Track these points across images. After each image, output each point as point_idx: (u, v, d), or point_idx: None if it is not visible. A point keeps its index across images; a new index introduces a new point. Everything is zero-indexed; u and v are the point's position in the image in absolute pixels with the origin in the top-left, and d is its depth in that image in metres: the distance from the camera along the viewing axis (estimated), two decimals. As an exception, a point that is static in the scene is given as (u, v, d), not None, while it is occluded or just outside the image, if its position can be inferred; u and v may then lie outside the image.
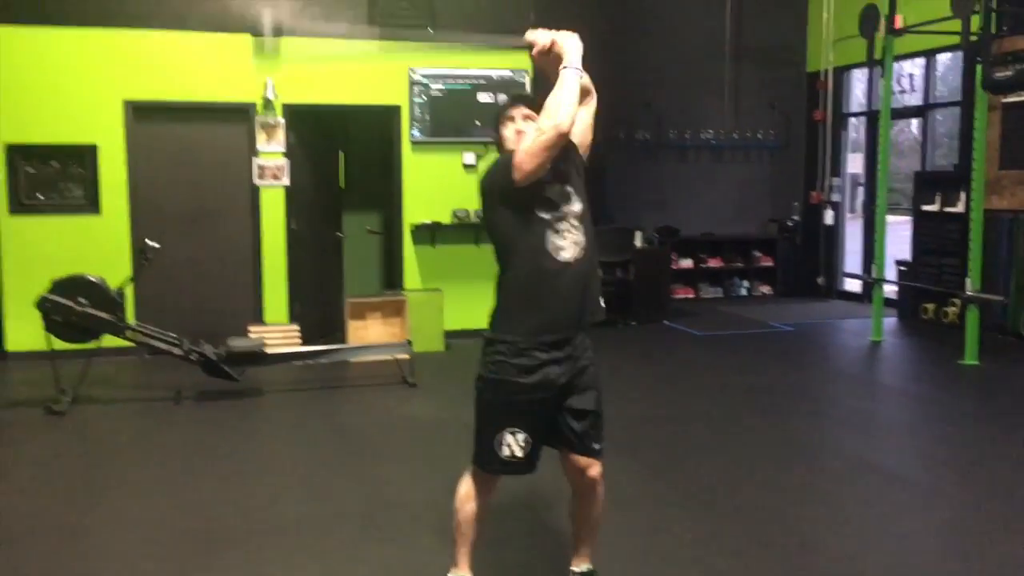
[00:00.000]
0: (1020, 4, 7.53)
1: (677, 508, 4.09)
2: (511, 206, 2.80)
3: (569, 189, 2.86)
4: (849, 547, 3.66)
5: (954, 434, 5.39)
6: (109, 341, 6.10)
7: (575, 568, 3.12)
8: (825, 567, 3.48)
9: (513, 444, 2.83)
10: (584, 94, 2.90)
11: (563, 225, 2.81)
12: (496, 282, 2.89)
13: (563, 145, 2.76)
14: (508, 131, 2.92)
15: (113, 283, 6.03)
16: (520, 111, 2.91)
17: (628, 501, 4.09)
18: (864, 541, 3.72)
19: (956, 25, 7.02)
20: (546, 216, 2.80)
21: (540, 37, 2.84)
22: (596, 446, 2.94)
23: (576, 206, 2.85)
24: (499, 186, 2.80)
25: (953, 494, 4.34)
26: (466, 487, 2.96)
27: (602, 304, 2.95)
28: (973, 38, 6.92)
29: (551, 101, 2.70)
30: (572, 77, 2.74)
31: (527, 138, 2.77)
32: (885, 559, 3.53)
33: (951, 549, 3.71)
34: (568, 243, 2.80)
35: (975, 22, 6.85)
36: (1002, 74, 6.90)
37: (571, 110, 2.70)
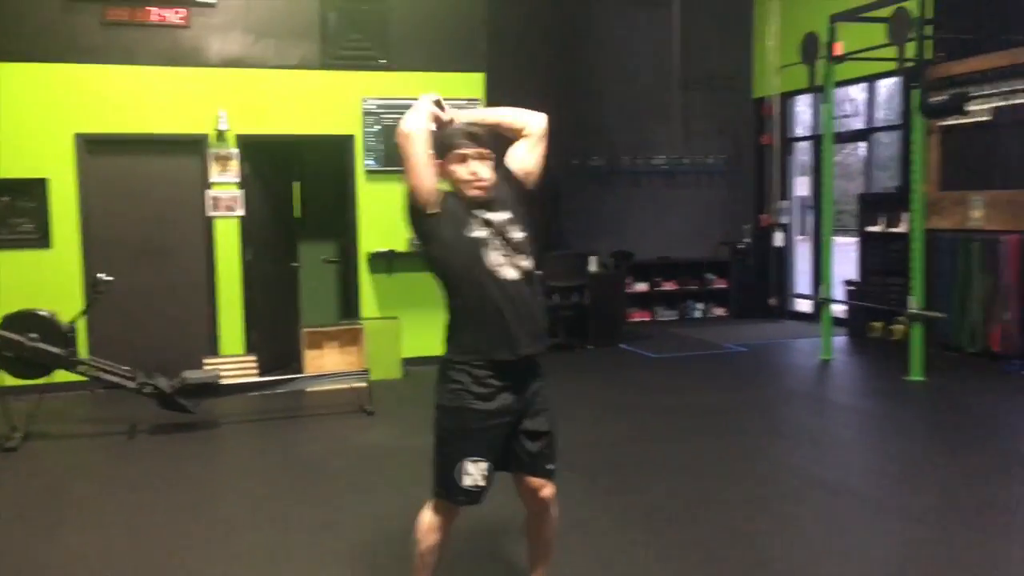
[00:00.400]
0: (955, 32, 7.82)
1: (633, 527, 4.15)
2: (439, 233, 2.84)
3: (508, 216, 2.89)
4: (800, 560, 3.75)
5: (899, 448, 5.54)
6: (61, 376, 6.05)
7: (532, 585, 3.17)
8: (775, 580, 3.56)
9: (475, 473, 2.85)
10: (520, 127, 3.01)
11: (501, 246, 2.84)
12: (446, 309, 2.94)
13: (503, 175, 2.89)
14: (461, 170, 2.87)
15: (65, 317, 5.98)
16: (474, 149, 2.86)
17: (584, 521, 4.15)
18: (814, 554, 3.81)
19: (894, 52, 7.26)
20: (481, 235, 2.83)
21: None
22: (549, 467, 2.99)
23: (516, 233, 2.88)
24: (415, 219, 2.85)
25: (899, 506, 4.45)
26: (429, 518, 2.96)
27: (545, 332, 2.99)
28: (909, 64, 7.16)
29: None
30: (422, 99, 2.91)
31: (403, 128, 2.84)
32: (835, 571, 3.63)
33: (898, 560, 3.82)
34: (507, 263, 2.83)
35: (910, 49, 7.09)
36: (937, 99, 7.16)
37: (413, 119, 2.81)
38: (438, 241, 2.85)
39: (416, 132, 2.81)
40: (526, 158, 3.02)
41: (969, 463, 5.07)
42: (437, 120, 2.92)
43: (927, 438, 5.75)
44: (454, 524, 3.04)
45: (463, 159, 2.85)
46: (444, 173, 2.90)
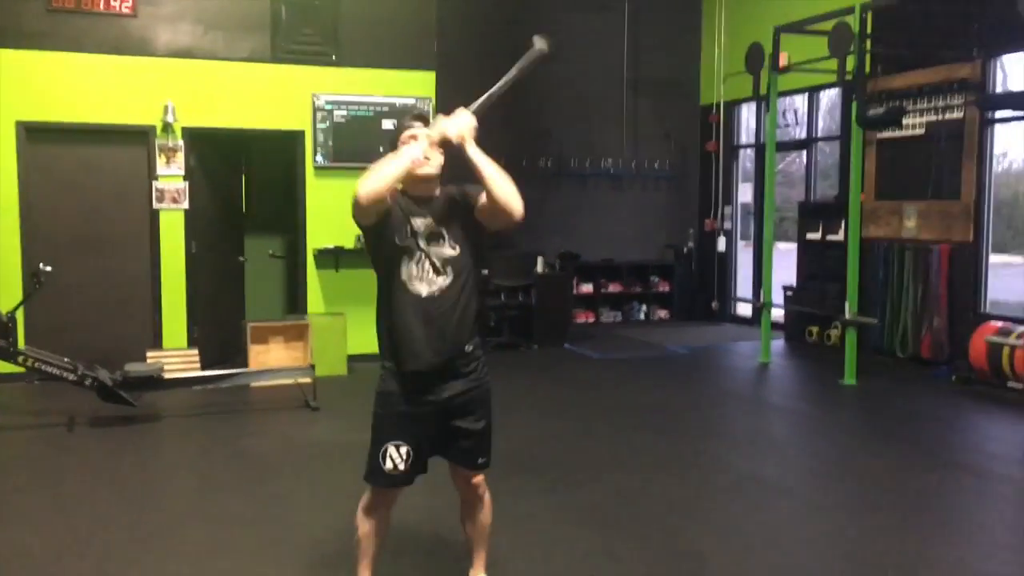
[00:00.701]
0: (893, 47, 8.08)
1: (571, 523, 4.24)
2: (372, 237, 2.95)
3: (442, 231, 2.94)
4: (734, 554, 3.87)
5: (831, 448, 5.73)
6: (-1, 367, 5.96)
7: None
8: (712, 572, 3.68)
9: (395, 457, 2.96)
10: (497, 200, 2.87)
11: (423, 261, 2.91)
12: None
13: (460, 197, 2.97)
14: (404, 137, 2.93)
15: (4, 307, 5.89)
16: (418, 126, 2.94)
17: (524, 517, 4.23)
18: (749, 548, 3.95)
19: (836, 64, 7.47)
20: (405, 245, 2.91)
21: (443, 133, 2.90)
22: (481, 460, 3.11)
23: (447, 250, 2.94)
24: (356, 220, 2.91)
25: (825, 501, 4.62)
26: (364, 503, 3.08)
27: (469, 334, 3.01)
28: (848, 77, 7.39)
29: (378, 165, 2.81)
30: (405, 151, 2.85)
31: (362, 178, 2.80)
32: (768, 564, 3.76)
33: (829, 554, 3.96)
34: (425, 277, 2.90)
35: (850, 62, 7.31)
36: (874, 112, 7.40)
37: (376, 180, 2.76)
38: (371, 243, 2.98)
39: (370, 199, 2.78)
40: (491, 215, 2.95)
41: (893, 461, 5.27)
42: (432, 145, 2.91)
43: (856, 438, 5.95)
44: (394, 513, 3.12)
45: (414, 139, 2.91)
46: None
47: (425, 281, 2.91)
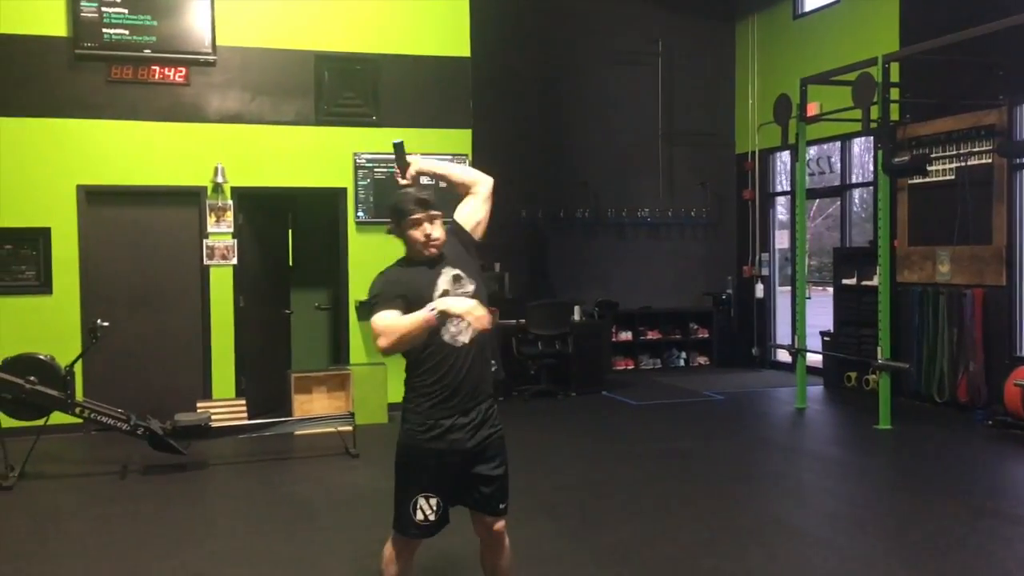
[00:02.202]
0: (920, 95, 8.21)
1: (593, 565, 4.38)
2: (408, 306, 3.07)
3: (459, 273, 3.16)
4: (748, 596, 3.98)
5: (859, 493, 5.79)
6: (57, 417, 6.30)
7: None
8: (724, 614, 3.80)
9: (426, 508, 3.11)
10: (469, 184, 3.35)
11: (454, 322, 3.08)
12: (406, 362, 3.18)
13: (451, 230, 3.22)
14: (419, 234, 3.10)
15: (63, 361, 6.25)
16: (427, 213, 3.11)
17: (546, 559, 4.38)
18: (762, 590, 4.05)
19: (860, 114, 7.62)
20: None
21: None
22: (502, 506, 3.26)
23: (469, 287, 3.16)
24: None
25: (855, 549, 4.69)
26: (388, 551, 3.23)
27: (496, 368, 3.27)
28: (873, 126, 7.53)
29: (392, 323, 2.95)
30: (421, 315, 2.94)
31: (380, 317, 2.97)
32: (779, 605, 3.86)
33: (842, 596, 4.05)
34: (464, 325, 3.07)
35: (875, 111, 7.46)
36: (900, 159, 7.51)
37: (395, 343, 2.93)
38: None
39: (392, 351, 2.96)
40: (475, 211, 3.32)
41: (924, 506, 5.31)
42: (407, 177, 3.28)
43: (886, 483, 5.99)
44: (417, 558, 3.29)
45: (418, 223, 3.12)
46: (401, 238, 3.19)
47: (463, 331, 3.09)
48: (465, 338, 3.11)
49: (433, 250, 3.14)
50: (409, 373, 3.18)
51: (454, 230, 3.27)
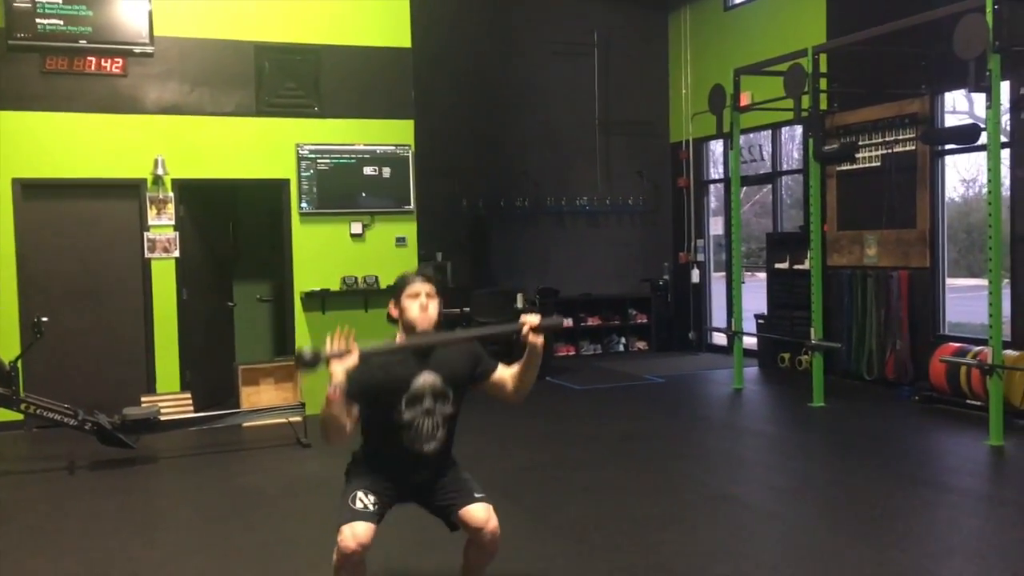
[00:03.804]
0: (847, 85, 8.53)
1: (551, 542, 4.54)
2: (362, 405, 3.15)
3: (448, 391, 3.27)
4: (698, 563, 4.18)
5: (796, 466, 6.07)
6: None
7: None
8: (678, 582, 3.99)
9: (364, 499, 3.22)
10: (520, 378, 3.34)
11: (425, 423, 3.25)
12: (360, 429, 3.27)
13: (475, 356, 3.33)
14: (413, 305, 3.22)
15: (4, 357, 6.15)
16: (427, 287, 3.24)
17: (507, 537, 4.46)
18: (711, 558, 4.25)
19: (792, 103, 7.89)
20: (406, 420, 3.22)
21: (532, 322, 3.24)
22: (479, 494, 3.34)
23: (448, 408, 3.29)
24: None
25: (795, 517, 4.94)
26: (335, 559, 3.20)
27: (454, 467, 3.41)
28: (805, 115, 7.82)
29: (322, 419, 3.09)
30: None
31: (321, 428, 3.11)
32: (728, 572, 4.06)
33: (783, 561, 4.27)
34: (425, 436, 3.25)
35: (805, 101, 7.74)
36: (829, 147, 7.82)
37: (330, 436, 3.11)
38: (361, 411, 3.17)
39: (329, 438, 3.13)
40: (506, 381, 3.36)
41: (856, 477, 5.60)
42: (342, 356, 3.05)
43: (821, 457, 6.29)
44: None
45: (416, 295, 3.23)
46: (398, 310, 3.29)
47: (425, 440, 3.25)
48: (427, 445, 3.26)
49: (426, 325, 3.23)
50: (363, 441, 3.35)
51: (471, 356, 3.33)
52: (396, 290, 3.29)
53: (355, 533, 3.14)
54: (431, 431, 3.26)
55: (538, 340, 3.23)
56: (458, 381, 3.30)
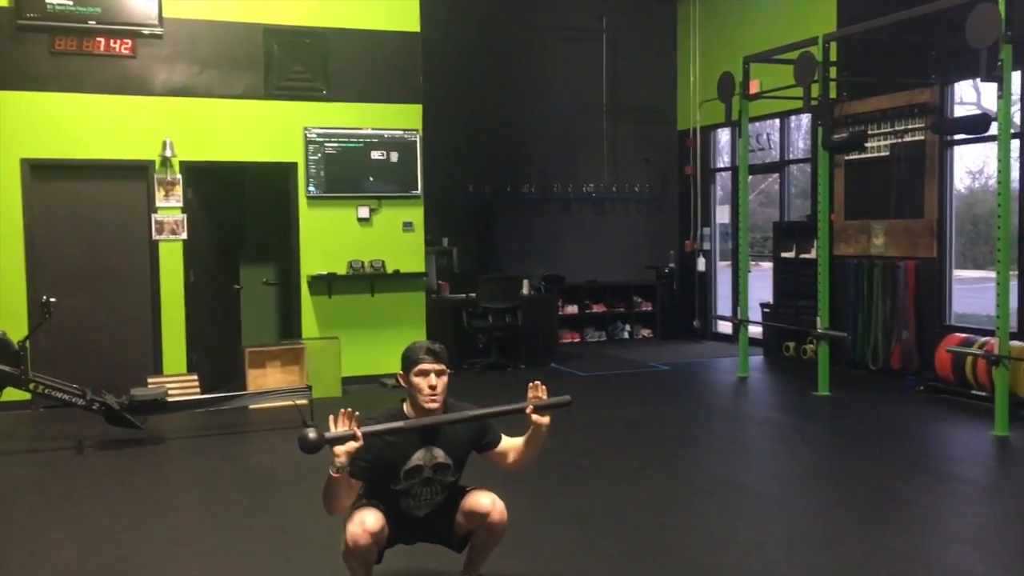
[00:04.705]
0: (857, 74, 8.50)
1: (558, 523, 4.56)
2: (370, 484, 3.25)
3: (450, 463, 3.31)
4: (703, 549, 4.20)
5: (801, 454, 6.08)
6: (5, 394, 6.23)
7: (465, 574, 3.55)
8: (683, 566, 4.00)
9: (372, 503, 3.29)
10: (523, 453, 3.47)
11: (424, 491, 3.29)
12: None
13: (480, 429, 3.39)
14: (422, 385, 3.23)
15: (12, 338, 6.18)
16: (436, 366, 3.24)
17: (513, 521, 4.51)
18: (716, 544, 4.28)
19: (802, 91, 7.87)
20: (404, 487, 3.26)
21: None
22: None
23: (449, 478, 3.34)
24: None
25: (800, 504, 4.96)
26: (343, 544, 3.25)
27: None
28: (814, 103, 7.79)
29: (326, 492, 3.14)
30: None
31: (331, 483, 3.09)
32: (731, 558, 4.08)
33: (797, 549, 4.29)
34: (423, 503, 3.30)
35: (815, 90, 7.72)
36: (838, 136, 7.80)
37: (333, 510, 3.18)
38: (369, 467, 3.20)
39: (334, 513, 3.20)
40: (509, 451, 3.47)
41: (860, 465, 5.62)
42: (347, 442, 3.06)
43: (825, 445, 6.31)
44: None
45: (425, 373, 3.24)
46: (406, 383, 3.30)
47: (423, 506, 3.31)
48: (423, 510, 3.33)
49: (433, 404, 3.25)
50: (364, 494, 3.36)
51: (477, 429, 3.39)
52: (405, 363, 3.30)
53: (363, 520, 3.18)
54: (430, 497, 3.33)
55: (543, 420, 3.32)
56: (462, 453, 3.37)
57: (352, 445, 3.00)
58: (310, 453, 2.99)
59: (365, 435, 3.03)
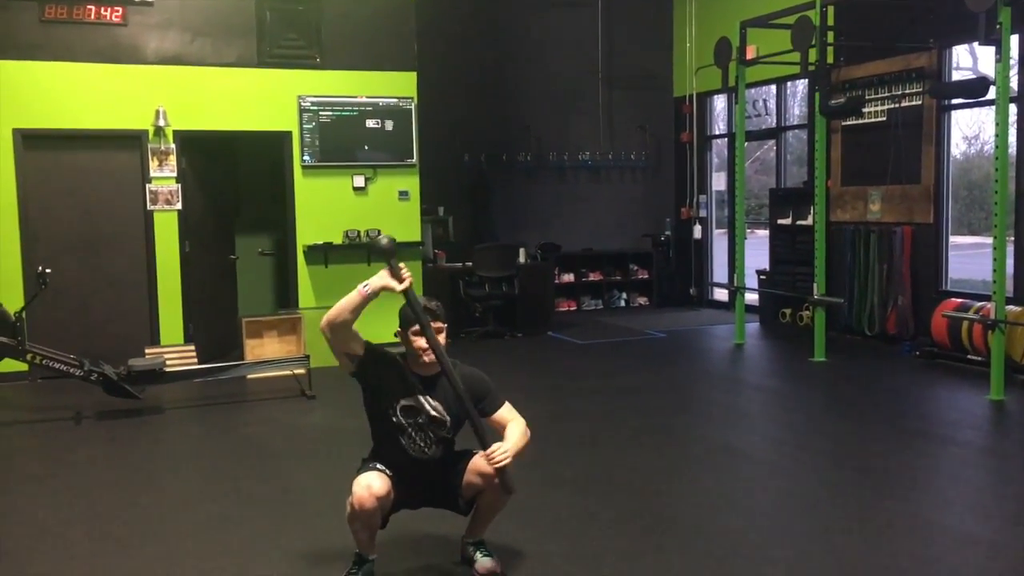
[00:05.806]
0: (854, 39, 8.45)
1: (556, 490, 4.59)
2: (367, 395, 3.37)
3: (447, 420, 3.34)
4: (700, 512, 4.24)
5: (797, 419, 6.12)
6: (2, 366, 6.22)
7: (468, 538, 3.57)
8: (682, 531, 4.03)
9: (380, 467, 3.33)
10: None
11: (420, 436, 3.32)
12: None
13: (479, 384, 3.41)
14: (420, 341, 3.27)
15: (6, 307, 6.16)
16: (433, 324, 3.27)
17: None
18: (713, 507, 4.31)
19: (799, 56, 7.82)
20: (405, 421, 3.30)
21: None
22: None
23: (444, 433, 3.36)
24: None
25: (796, 468, 4.99)
26: (348, 507, 3.27)
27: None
28: (812, 68, 7.75)
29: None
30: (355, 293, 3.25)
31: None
32: (727, 520, 4.12)
33: (794, 511, 4.32)
34: (418, 447, 3.32)
35: (813, 54, 7.67)
36: (836, 101, 7.76)
37: (334, 315, 3.26)
38: (367, 400, 3.39)
39: (329, 325, 3.26)
40: (507, 423, 3.47)
41: (856, 430, 5.66)
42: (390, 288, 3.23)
43: (822, 410, 6.34)
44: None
45: (420, 333, 3.26)
46: (404, 341, 3.33)
47: (421, 450, 3.34)
48: (420, 454, 3.34)
49: (428, 362, 3.29)
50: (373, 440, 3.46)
51: (488, 392, 3.42)
52: (403, 321, 3.32)
53: (370, 484, 3.21)
54: (425, 445, 3.34)
55: (488, 469, 3.29)
56: (458, 410, 3.35)
57: (398, 284, 3.19)
58: (379, 254, 3.34)
59: (383, 350, 3.33)
